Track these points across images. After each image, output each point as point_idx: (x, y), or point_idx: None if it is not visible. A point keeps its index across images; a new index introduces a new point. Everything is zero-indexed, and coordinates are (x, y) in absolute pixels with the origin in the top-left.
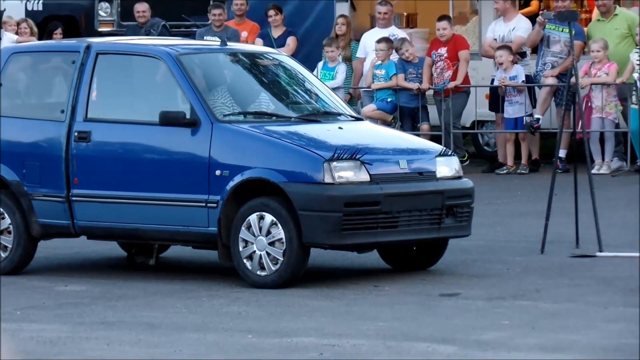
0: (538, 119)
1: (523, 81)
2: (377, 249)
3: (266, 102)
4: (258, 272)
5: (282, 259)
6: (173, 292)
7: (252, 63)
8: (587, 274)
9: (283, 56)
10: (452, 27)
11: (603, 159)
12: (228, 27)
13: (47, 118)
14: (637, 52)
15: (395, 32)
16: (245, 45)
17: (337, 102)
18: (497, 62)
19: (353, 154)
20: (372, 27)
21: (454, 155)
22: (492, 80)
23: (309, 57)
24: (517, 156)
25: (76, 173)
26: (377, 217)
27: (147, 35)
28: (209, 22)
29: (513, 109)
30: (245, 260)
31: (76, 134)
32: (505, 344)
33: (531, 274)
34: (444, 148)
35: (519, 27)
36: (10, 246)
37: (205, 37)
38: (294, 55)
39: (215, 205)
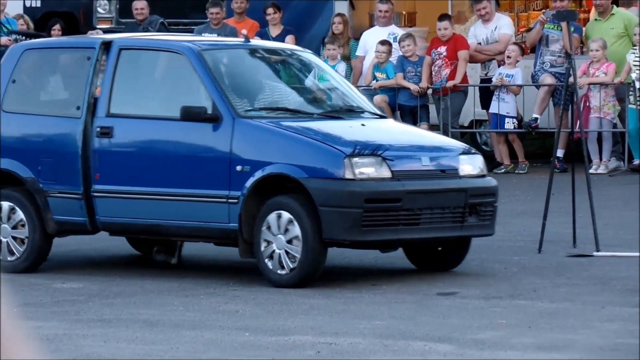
0: (536, 119)
1: (519, 86)
2: (402, 249)
3: (288, 98)
4: (278, 271)
5: (299, 257)
6: (170, 289)
7: (275, 59)
8: (584, 273)
9: (307, 53)
10: (453, 26)
11: (601, 159)
12: (226, 25)
13: (62, 115)
14: (633, 52)
15: (395, 30)
16: (268, 42)
17: (361, 100)
18: (506, 55)
19: (374, 150)
20: (371, 25)
21: (478, 153)
22: (481, 80)
23: None
24: (513, 155)
25: (98, 168)
26: (398, 213)
27: (144, 32)
28: (207, 19)
29: (499, 106)
30: (266, 260)
31: (98, 129)
32: (502, 343)
33: (528, 274)
34: (468, 146)
35: (501, 25)
36: (25, 244)
37: (203, 35)
38: None
39: (236, 200)
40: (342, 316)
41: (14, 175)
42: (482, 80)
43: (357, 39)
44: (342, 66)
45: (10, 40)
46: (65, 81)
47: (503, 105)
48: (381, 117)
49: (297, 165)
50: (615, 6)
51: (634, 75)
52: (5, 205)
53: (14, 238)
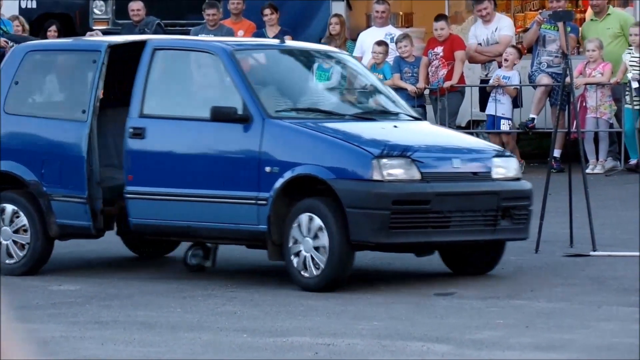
0: (533, 119)
1: (515, 88)
2: (438, 252)
3: (321, 99)
4: (305, 274)
5: (325, 259)
6: (168, 291)
7: (309, 60)
8: (581, 273)
9: (343, 55)
10: (449, 26)
11: (597, 159)
12: (223, 26)
13: (67, 118)
14: (629, 52)
15: (392, 31)
16: (303, 43)
17: (397, 102)
18: (504, 57)
19: (403, 151)
20: (368, 26)
21: (512, 156)
22: (481, 81)
23: None
24: None
25: (130, 170)
26: (427, 216)
27: (141, 34)
28: (204, 21)
29: (494, 107)
30: (294, 263)
31: (131, 130)
32: (499, 343)
33: (525, 274)
34: (502, 149)
35: (502, 27)
36: (27, 247)
37: (199, 36)
38: None
39: (265, 202)
40: (340, 317)
41: (16, 178)
42: (482, 81)
43: (354, 39)
44: (338, 67)
45: (6, 42)
46: (70, 84)
47: (499, 106)
48: (416, 119)
49: (325, 167)
50: (611, 6)
51: (630, 75)
52: (9, 208)
53: (15, 242)
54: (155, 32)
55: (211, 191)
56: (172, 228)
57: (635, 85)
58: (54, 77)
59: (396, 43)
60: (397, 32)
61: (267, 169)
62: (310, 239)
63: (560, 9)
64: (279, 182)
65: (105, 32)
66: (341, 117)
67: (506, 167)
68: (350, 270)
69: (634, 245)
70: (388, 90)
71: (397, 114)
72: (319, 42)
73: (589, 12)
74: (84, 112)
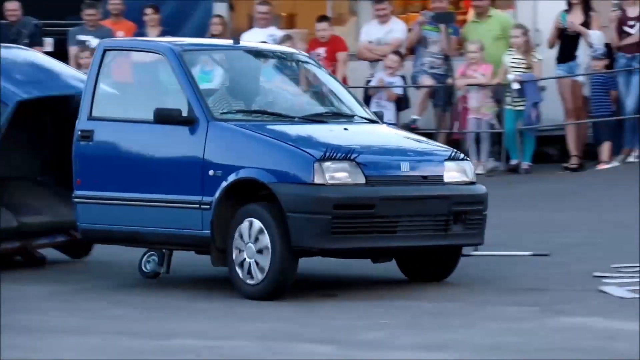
0: (415, 120)
1: (399, 95)
2: (394, 259)
3: (271, 101)
4: (248, 282)
5: (268, 266)
6: (51, 294)
7: (263, 61)
8: (464, 273)
9: (301, 55)
10: (332, 28)
11: (479, 159)
12: (102, 27)
13: None
14: (510, 54)
15: (275, 32)
16: (257, 43)
17: (353, 105)
18: (385, 65)
19: (347, 154)
20: (251, 27)
21: (466, 159)
22: (368, 82)
23: None
24: None
25: (78, 173)
26: (372, 220)
27: (17, 35)
28: (83, 21)
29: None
30: (237, 270)
31: (79, 132)
32: (385, 343)
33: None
34: (455, 152)
35: (396, 29)
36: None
37: (77, 37)
38: None
39: (208, 206)
40: (225, 319)
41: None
42: (368, 82)
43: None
44: (220, 70)
45: None
46: None
47: (384, 111)
48: (372, 122)
49: (268, 170)
50: (492, 8)
51: (511, 77)
52: (257, 224)
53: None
54: (32, 34)
55: (157, 195)
56: (121, 233)
57: (516, 86)
58: None
59: (279, 44)
60: (279, 33)
61: (211, 172)
62: (252, 245)
63: (442, 11)
64: (222, 186)
65: None
66: (290, 119)
67: (459, 171)
68: (294, 276)
69: (516, 245)
70: (345, 93)
71: (351, 116)
72: None
73: (471, 14)
74: None
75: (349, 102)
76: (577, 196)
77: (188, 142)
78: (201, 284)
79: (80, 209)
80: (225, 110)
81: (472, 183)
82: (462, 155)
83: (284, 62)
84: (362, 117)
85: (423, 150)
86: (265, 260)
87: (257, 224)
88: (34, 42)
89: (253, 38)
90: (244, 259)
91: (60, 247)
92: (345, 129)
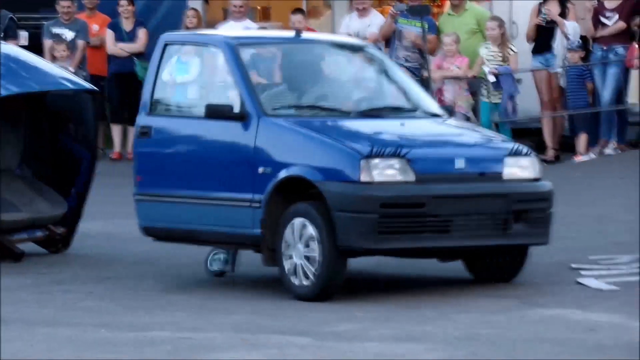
0: None
1: None
2: (461, 259)
3: (329, 95)
4: (297, 283)
5: (317, 267)
6: (24, 286)
7: (324, 54)
8: (441, 266)
9: (369, 47)
10: (306, 20)
11: None
12: (78, 20)
13: None
14: (486, 47)
15: (250, 25)
16: (320, 34)
17: (420, 98)
18: None
19: (397, 150)
20: (225, 20)
21: (529, 155)
22: None
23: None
24: None
25: (138, 170)
26: (423, 220)
27: None
28: (58, 14)
29: None
30: (286, 270)
31: (139, 128)
32: (359, 335)
33: (387, 268)
34: (518, 146)
35: (374, 23)
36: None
37: (53, 30)
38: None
39: (258, 205)
40: (200, 311)
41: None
42: None
43: None
44: (196, 61)
45: None
46: None
47: None
48: (436, 115)
49: (316, 167)
50: (468, 1)
51: (487, 69)
52: (305, 224)
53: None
54: (7, 27)
55: (211, 193)
56: (179, 232)
57: (492, 79)
58: None
59: None
60: (254, 26)
61: (261, 169)
62: (301, 245)
63: (417, 4)
64: (271, 184)
65: None
66: (345, 114)
67: (522, 167)
68: (343, 277)
69: None
70: (413, 85)
71: (413, 110)
72: None
73: (447, 6)
74: None
75: (416, 95)
76: (554, 188)
77: (240, 138)
78: (175, 275)
79: (141, 207)
80: (278, 106)
81: (536, 180)
82: (525, 150)
83: (346, 54)
84: (427, 112)
85: (482, 145)
86: (314, 261)
87: (306, 223)
88: (9, 35)
89: (228, 30)
90: (293, 260)
91: (39, 242)
92: (402, 124)
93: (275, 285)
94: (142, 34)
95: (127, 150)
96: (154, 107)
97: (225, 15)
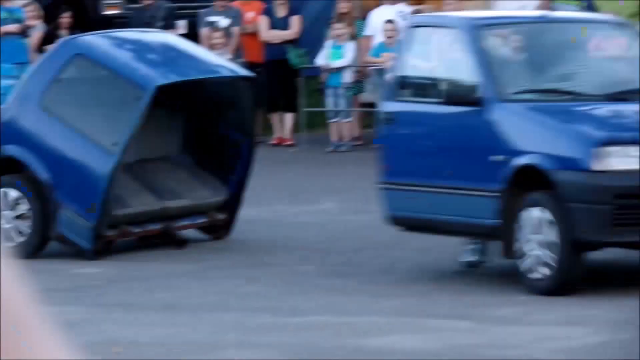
0: None
1: None
2: None
3: (574, 78)
4: (532, 276)
5: (553, 260)
6: (188, 272)
7: (573, 34)
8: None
9: (625, 27)
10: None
11: None
12: (231, 8)
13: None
14: None
15: (404, 8)
16: (569, 13)
17: None
18: None
19: (635, 137)
20: (380, 4)
21: None
22: None
23: (310, 36)
24: None
25: (385, 158)
26: None
27: (152, 18)
28: (212, 3)
29: None
30: (523, 262)
31: (384, 115)
32: (520, 318)
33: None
34: None
35: (528, 5)
36: (29, 232)
37: (208, 18)
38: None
39: (494, 194)
40: (358, 295)
41: None
42: None
43: (363, 18)
44: (351, 46)
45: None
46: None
47: None
48: None
49: (549, 155)
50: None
51: None
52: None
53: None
54: (165, 17)
55: (450, 182)
56: (423, 221)
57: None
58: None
59: None
60: (409, 10)
61: (496, 157)
62: (537, 237)
63: None
64: (506, 173)
65: (115, 17)
66: (589, 97)
67: None
68: (581, 271)
69: None
70: None
71: None
72: (327, 21)
73: None
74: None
75: None
76: None
77: (477, 124)
78: (350, 262)
79: (388, 196)
80: (517, 90)
81: None
82: None
83: (600, 34)
84: None
85: None
86: (550, 254)
87: (542, 214)
88: (168, 25)
89: (382, 15)
90: (529, 251)
91: (201, 228)
92: None
93: (433, 268)
94: (295, 20)
95: (285, 135)
96: (398, 92)
97: (378, 0)
